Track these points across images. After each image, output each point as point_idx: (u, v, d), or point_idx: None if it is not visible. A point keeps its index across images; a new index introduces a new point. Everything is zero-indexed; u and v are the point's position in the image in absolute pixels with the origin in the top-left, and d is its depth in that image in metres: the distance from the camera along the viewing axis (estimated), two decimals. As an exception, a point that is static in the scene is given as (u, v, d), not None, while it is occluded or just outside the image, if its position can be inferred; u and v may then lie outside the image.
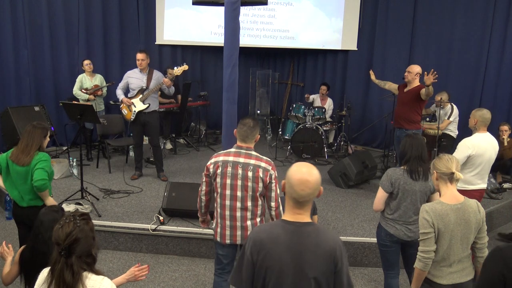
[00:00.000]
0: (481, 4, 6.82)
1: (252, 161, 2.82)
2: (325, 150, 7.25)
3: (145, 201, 5.07)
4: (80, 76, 6.70)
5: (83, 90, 6.60)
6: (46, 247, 2.29)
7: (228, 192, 2.85)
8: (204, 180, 2.97)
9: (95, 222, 4.37)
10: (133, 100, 5.54)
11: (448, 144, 5.97)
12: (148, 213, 4.69)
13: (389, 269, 3.28)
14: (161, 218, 4.46)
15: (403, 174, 3.08)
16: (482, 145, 3.81)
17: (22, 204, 3.36)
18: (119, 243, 4.43)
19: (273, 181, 2.83)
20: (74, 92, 6.63)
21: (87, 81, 6.70)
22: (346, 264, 1.87)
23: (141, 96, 5.52)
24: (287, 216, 1.89)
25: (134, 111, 5.55)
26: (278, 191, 2.89)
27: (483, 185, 3.97)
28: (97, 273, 1.94)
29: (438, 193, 3.05)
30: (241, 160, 2.82)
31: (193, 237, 4.34)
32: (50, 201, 3.35)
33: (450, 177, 2.50)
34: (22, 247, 2.61)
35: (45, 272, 1.96)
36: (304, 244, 1.82)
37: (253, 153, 2.87)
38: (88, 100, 6.58)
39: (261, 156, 2.88)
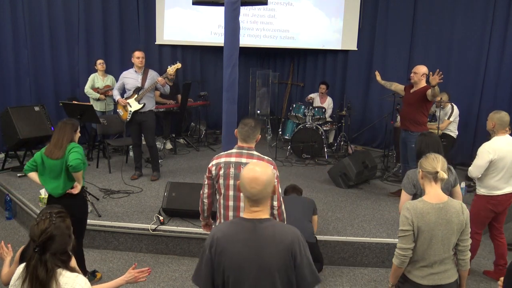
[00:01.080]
0: (481, 4, 6.82)
1: (255, 161, 2.80)
2: (325, 150, 7.25)
3: (145, 201, 5.07)
4: (92, 75, 6.78)
5: (94, 90, 6.70)
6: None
7: (231, 193, 2.83)
8: (206, 182, 2.93)
9: (95, 222, 4.41)
10: (128, 100, 5.56)
11: (448, 144, 5.97)
12: (148, 213, 4.69)
13: None
14: (161, 218, 4.46)
15: None
16: (503, 149, 3.75)
17: (58, 193, 3.49)
18: (119, 243, 4.44)
19: (275, 180, 2.83)
20: (85, 91, 6.73)
21: (99, 81, 6.78)
22: (307, 257, 1.88)
23: (136, 96, 5.53)
24: (245, 214, 1.94)
25: (130, 111, 5.56)
26: (280, 190, 2.89)
27: (510, 188, 3.88)
28: (72, 270, 1.95)
29: (459, 186, 3.05)
30: (243, 160, 2.80)
31: (193, 237, 4.34)
32: (80, 182, 3.54)
33: (435, 176, 2.50)
34: (22, 246, 2.61)
35: (21, 268, 1.97)
36: (262, 239, 1.86)
37: (255, 153, 2.86)
38: (98, 99, 6.67)
39: (262, 156, 2.88)
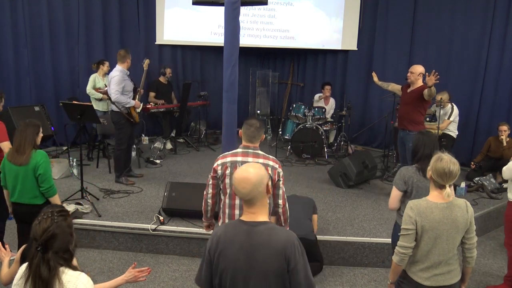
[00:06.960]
0: (481, 4, 6.82)
1: (261, 160, 2.81)
2: (325, 150, 7.25)
3: (145, 201, 5.07)
4: (93, 76, 6.79)
5: (96, 90, 6.72)
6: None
7: None
8: (210, 182, 2.92)
9: (95, 222, 4.41)
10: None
11: (448, 144, 5.97)
12: (148, 213, 4.69)
13: None
14: (161, 218, 4.46)
15: (415, 172, 3.08)
16: None
17: (22, 201, 3.41)
18: (119, 243, 4.44)
19: (281, 178, 2.85)
20: (88, 91, 6.74)
21: (100, 81, 6.81)
22: (303, 263, 1.87)
23: (137, 96, 5.56)
24: (243, 217, 1.96)
25: (138, 113, 5.60)
26: (284, 189, 2.91)
27: None
28: (75, 269, 1.95)
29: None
30: (250, 159, 2.81)
31: (193, 237, 4.34)
32: (57, 201, 3.46)
33: (441, 186, 2.46)
34: (23, 246, 2.60)
35: (23, 267, 1.97)
36: (256, 242, 1.87)
37: (260, 152, 2.88)
38: (101, 99, 6.71)
39: (267, 155, 2.90)
